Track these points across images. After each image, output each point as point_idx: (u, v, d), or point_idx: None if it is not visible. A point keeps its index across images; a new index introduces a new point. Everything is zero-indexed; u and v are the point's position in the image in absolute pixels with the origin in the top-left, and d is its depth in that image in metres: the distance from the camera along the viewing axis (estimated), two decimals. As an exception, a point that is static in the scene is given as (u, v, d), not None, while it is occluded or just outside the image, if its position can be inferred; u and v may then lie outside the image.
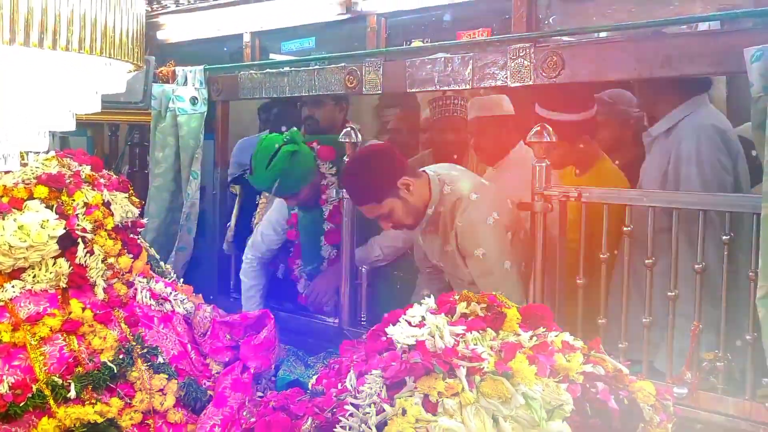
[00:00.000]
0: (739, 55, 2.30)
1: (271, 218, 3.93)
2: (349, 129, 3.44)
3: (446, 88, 3.25)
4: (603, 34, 2.91)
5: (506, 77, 2.94)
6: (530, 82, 2.88)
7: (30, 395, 2.43)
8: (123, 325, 2.71)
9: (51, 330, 2.58)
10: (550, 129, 2.72)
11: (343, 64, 3.55)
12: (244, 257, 4.01)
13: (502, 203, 3.09)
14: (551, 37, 2.90)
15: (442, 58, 3.15)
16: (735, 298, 2.56)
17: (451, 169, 3.28)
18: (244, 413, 2.59)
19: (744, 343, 2.42)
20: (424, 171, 3.16)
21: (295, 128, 3.73)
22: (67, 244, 2.71)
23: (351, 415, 1.84)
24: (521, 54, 2.88)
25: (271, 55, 4.43)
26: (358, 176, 3.11)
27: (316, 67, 3.71)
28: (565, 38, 2.88)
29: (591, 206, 2.72)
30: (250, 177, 3.74)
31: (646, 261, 2.59)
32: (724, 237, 2.43)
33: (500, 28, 3.10)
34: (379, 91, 3.45)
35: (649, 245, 2.59)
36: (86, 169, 2.95)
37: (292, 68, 3.82)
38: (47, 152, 2.88)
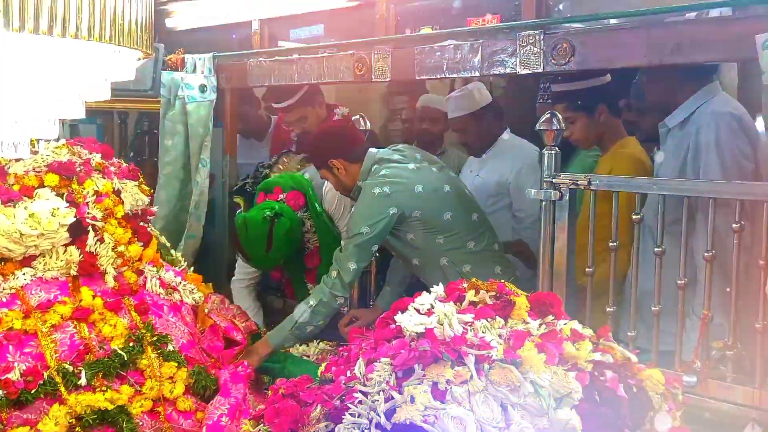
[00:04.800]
0: (751, 41, 2.28)
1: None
2: (358, 117, 3.44)
3: (455, 75, 3.24)
4: (613, 21, 2.89)
5: (516, 64, 2.92)
6: (540, 70, 2.86)
7: (41, 382, 2.45)
8: (133, 313, 2.72)
9: (62, 317, 2.59)
10: (560, 116, 2.71)
11: (352, 52, 3.54)
12: (231, 284, 3.98)
13: (411, 201, 3.12)
14: (561, 24, 2.88)
15: (452, 45, 3.13)
16: (748, 287, 2.55)
17: (392, 154, 3.29)
18: (251, 402, 2.61)
19: (754, 332, 2.41)
20: (369, 152, 3.27)
21: (272, 201, 3.60)
22: (78, 232, 2.72)
23: (360, 402, 1.85)
24: (531, 41, 2.87)
25: (280, 43, 4.42)
26: (310, 145, 3.57)
27: (325, 54, 3.70)
28: (575, 25, 2.86)
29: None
30: (249, 263, 3.69)
31: (656, 249, 2.58)
32: (734, 225, 2.41)
33: (510, 15, 3.08)
34: (388, 79, 3.44)
35: (659, 233, 2.58)
36: (96, 157, 2.95)
37: (301, 55, 3.81)
38: (57, 140, 2.88)
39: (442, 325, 1.97)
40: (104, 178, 2.88)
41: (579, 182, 2.69)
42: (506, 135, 4.06)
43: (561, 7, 3.04)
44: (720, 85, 3.12)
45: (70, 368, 2.51)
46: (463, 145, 4.12)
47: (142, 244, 2.90)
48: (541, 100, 3.94)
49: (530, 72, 2.90)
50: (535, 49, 2.86)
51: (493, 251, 3.27)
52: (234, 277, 3.96)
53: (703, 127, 2.91)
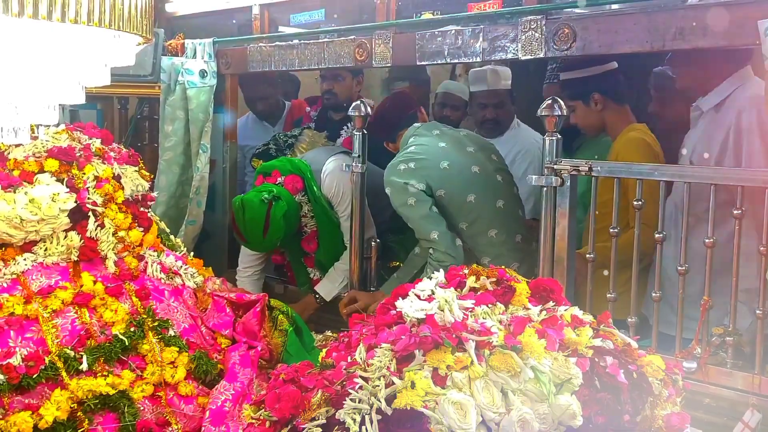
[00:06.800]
0: (753, 27, 2.27)
1: None
2: (358, 102, 3.43)
3: (456, 61, 3.23)
4: (615, 6, 2.88)
5: (517, 50, 2.91)
6: (541, 55, 2.85)
7: (42, 367, 2.46)
8: (134, 298, 2.72)
9: (63, 303, 2.59)
10: (561, 102, 2.71)
11: (352, 37, 3.53)
12: (237, 276, 3.96)
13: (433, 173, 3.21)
14: (563, 9, 2.87)
15: (453, 31, 3.12)
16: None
17: (432, 130, 3.40)
18: (254, 387, 2.61)
19: (754, 318, 2.42)
20: (413, 125, 3.43)
21: (270, 184, 3.62)
22: (78, 217, 2.72)
23: (360, 387, 1.85)
24: (532, 26, 2.85)
25: (280, 28, 4.41)
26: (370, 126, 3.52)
27: (326, 39, 3.68)
28: (576, 10, 2.85)
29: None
30: (246, 245, 3.69)
31: (656, 235, 2.58)
32: (735, 212, 2.41)
33: (511, 0, 3.07)
34: (389, 64, 3.43)
35: (660, 220, 2.58)
36: (96, 143, 2.95)
37: (302, 41, 3.80)
38: (57, 125, 2.88)
39: (442, 311, 1.98)
40: (104, 164, 2.87)
41: (580, 168, 2.69)
42: (515, 123, 4.08)
43: (563, -9, 3.02)
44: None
45: (72, 353, 2.51)
46: (483, 123, 4.11)
47: (142, 229, 2.90)
48: (547, 81, 3.94)
49: (532, 57, 2.89)
50: (537, 34, 2.85)
51: (514, 243, 3.26)
52: (239, 268, 3.96)
53: (745, 111, 2.89)
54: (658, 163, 3.27)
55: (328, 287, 3.63)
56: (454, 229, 3.20)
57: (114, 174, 2.87)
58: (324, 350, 2.22)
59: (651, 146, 3.38)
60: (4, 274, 2.62)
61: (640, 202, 2.60)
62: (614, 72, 3.57)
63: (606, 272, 2.75)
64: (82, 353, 2.52)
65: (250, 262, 3.91)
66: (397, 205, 3.19)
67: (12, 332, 2.49)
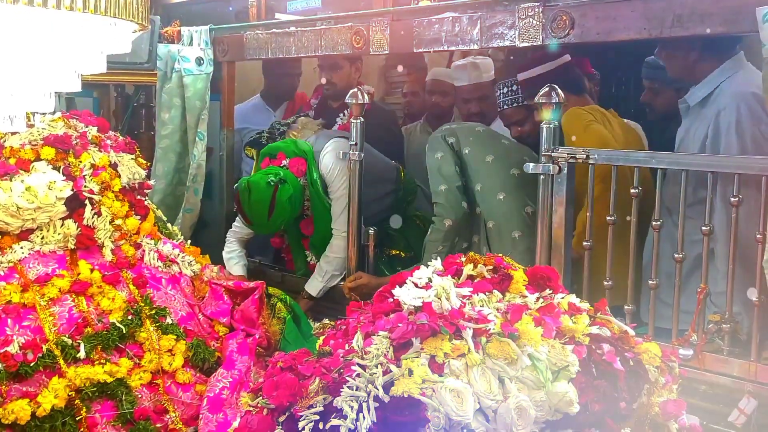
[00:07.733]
0: (752, 14, 2.26)
1: None
2: (355, 90, 3.42)
3: (454, 48, 3.22)
4: (613, -7, 2.86)
5: (515, 37, 2.90)
6: (539, 42, 2.84)
7: (40, 355, 2.46)
8: (131, 286, 2.72)
9: (60, 291, 2.60)
10: (559, 90, 2.70)
11: (349, 24, 3.51)
12: (228, 234, 3.92)
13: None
14: (561, -4, 2.86)
15: (450, 18, 3.11)
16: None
17: (470, 128, 3.49)
18: (252, 375, 2.61)
19: (750, 305, 2.42)
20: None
21: (275, 167, 3.59)
22: (75, 205, 2.72)
23: (358, 375, 1.85)
24: (530, 13, 2.84)
25: (277, 15, 4.39)
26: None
27: (323, 26, 3.67)
28: (574, -3, 2.84)
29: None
30: (250, 227, 3.67)
31: (653, 222, 2.58)
32: (732, 199, 2.41)
33: (509, -13, 3.05)
34: (386, 51, 3.42)
35: (657, 207, 2.58)
36: (93, 131, 2.95)
37: (299, 28, 3.78)
38: (53, 113, 2.87)
39: (440, 298, 1.98)
40: (101, 152, 2.87)
41: (577, 156, 2.69)
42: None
43: (560, -22, 3.00)
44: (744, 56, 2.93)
45: (69, 341, 2.52)
46: (469, 117, 4.09)
47: (139, 217, 2.90)
48: (509, 105, 3.77)
49: (529, 44, 2.88)
50: (535, 21, 2.83)
51: (522, 213, 3.26)
52: (231, 229, 3.93)
53: (724, 110, 2.76)
54: (594, 125, 3.18)
55: (314, 284, 3.64)
56: (469, 192, 3.32)
57: (110, 162, 2.86)
58: (321, 338, 2.22)
59: (583, 113, 3.24)
60: (1, 263, 2.62)
61: (637, 190, 2.60)
62: (569, 64, 3.50)
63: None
64: (80, 341, 2.53)
65: (242, 228, 3.86)
66: (428, 157, 3.39)
67: (9, 320, 2.49)
